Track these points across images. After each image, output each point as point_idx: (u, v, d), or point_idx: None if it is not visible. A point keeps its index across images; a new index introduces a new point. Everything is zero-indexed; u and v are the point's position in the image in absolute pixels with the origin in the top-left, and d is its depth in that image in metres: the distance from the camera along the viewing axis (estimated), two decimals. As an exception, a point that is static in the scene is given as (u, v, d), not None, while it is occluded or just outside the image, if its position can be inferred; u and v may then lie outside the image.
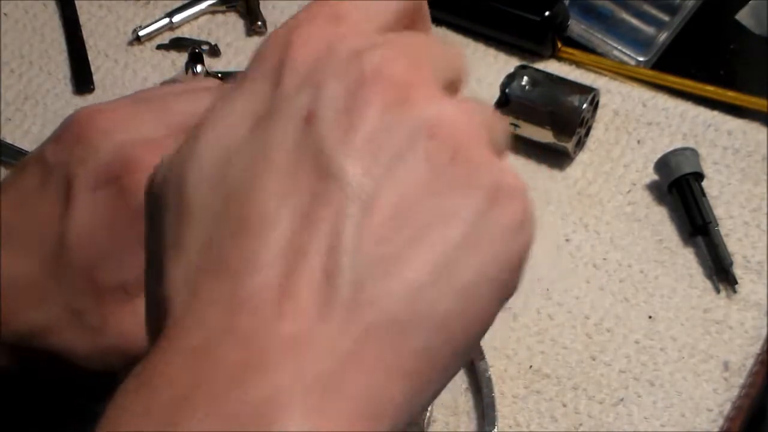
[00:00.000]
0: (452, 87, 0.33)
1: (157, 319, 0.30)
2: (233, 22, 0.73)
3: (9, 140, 0.67)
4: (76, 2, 0.74)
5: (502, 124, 0.34)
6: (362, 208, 0.29)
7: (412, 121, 0.30)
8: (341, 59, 0.31)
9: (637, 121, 0.65)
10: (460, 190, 0.30)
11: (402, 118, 0.30)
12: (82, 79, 0.70)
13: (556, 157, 0.63)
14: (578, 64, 0.68)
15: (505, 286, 0.31)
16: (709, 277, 0.58)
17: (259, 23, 0.71)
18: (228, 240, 0.29)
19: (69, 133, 0.48)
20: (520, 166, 0.63)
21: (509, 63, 0.68)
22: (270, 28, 0.71)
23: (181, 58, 0.70)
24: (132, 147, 0.47)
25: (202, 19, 0.73)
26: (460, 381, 0.56)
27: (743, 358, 0.55)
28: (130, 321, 0.48)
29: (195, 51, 0.68)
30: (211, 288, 0.29)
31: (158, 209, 0.32)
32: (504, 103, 0.62)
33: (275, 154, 0.30)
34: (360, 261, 0.29)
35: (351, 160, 0.29)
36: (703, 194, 0.60)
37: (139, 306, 0.49)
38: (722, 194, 0.61)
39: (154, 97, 0.51)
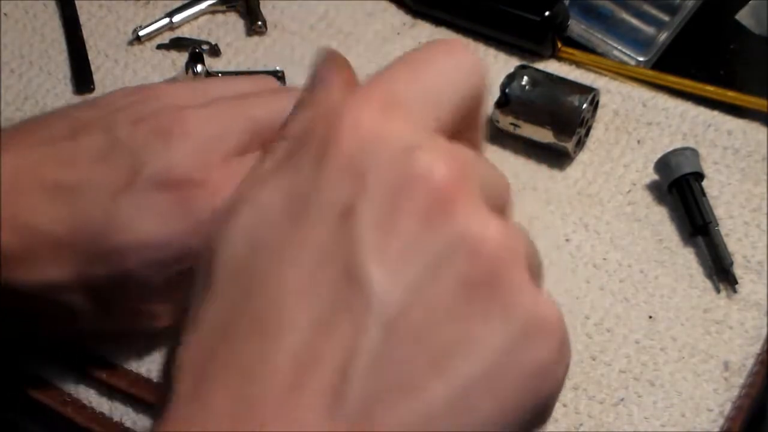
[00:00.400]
0: (497, 209, 0.31)
1: (169, 377, 0.29)
2: (233, 22, 0.73)
3: (9, 140, 0.67)
4: (76, 2, 0.74)
5: (538, 252, 0.31)
6: (384, 326, 0.27)
7: (453, 234, 0.28)
8: (390, 152, 0.29)
9: (637, 121, 0.65)
10: (492, 317, 0.28)
11: (443, 229, 0.28)
12: (82, 79, 0.70)
13: (556, 157, 0.63)
14: (578, 64, 0.68)
15: (530, 423, 0.29)
16: (709, 277, 0.58)
17: (259, 23, 0.71)
18: (242, 333, 0.28)
19: (151, 121, 0.48)
20: (520, 166, 0.63)
21: (509, 63, 0.68)
22: (270, 28, 0.71)
23: (181, 58, 0.70)
24: (203, 164, 0.47)
25: (202, 19, 0.73)
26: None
27: (743, 358, 0.55)
28: (139, 305, 0.49)
29: (195, 51, 0.68)
30: (217, 380, 0.28)
31: (197, 272, 0.31)
32: (504, 103, 0.62)
33: (304, 247, 0.28)
34: (371, 384, 0.27)
35: (381, 271, 0.27)
36: (703, 194, 0.60)
37: (147, 307, 0.49)
38: (722, 194, 0.61)
39: (233, 98, 0.50)
